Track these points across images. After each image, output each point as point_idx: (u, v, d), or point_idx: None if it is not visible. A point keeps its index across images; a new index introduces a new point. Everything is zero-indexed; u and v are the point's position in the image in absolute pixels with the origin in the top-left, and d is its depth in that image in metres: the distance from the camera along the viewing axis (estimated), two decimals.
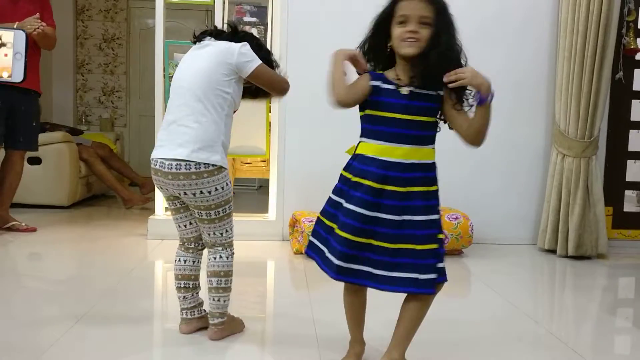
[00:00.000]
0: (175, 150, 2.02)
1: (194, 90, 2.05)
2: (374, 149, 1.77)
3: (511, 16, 4.01)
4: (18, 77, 3.04)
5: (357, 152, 1.83)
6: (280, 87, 2.29)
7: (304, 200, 3.89)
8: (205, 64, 2.08)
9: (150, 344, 2.24)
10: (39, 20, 3.76)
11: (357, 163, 1.80)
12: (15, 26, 3.65)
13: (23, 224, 4.01)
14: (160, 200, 4.00)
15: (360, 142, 1.84)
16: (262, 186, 6.41)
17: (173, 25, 6.48)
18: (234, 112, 2.19)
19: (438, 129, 1.87)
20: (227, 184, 2.09)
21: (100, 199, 5.68)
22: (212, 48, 2.12)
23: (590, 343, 2.43)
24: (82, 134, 5.80)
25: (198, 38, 2.19)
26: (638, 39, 3.99)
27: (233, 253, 2.20)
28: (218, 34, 2.20)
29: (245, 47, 2.12)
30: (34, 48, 3.94)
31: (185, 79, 2.10)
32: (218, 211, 2.09)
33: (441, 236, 1.79)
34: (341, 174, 1.87)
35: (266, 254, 3.64)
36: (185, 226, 2.23)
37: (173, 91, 2.14)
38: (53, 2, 4.24)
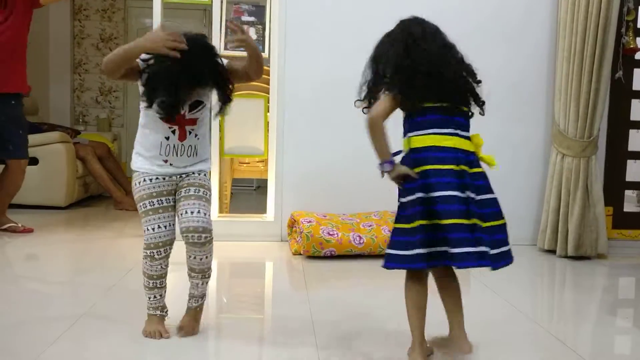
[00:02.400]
0: None
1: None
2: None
3: (510, 16, 3.99)
4: None
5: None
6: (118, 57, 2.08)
7: (303, 201, 3.87)
8: None
9: (149, 344, 2.22)
10: None
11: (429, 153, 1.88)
12: None
13: (20, 226, 3.98)
14: None
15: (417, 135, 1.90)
16: (261, 186, 6.40)
17: (170, 24, 6.46)
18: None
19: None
20: (135, 185, 2.20)
21: (97, 200, 5.66)
22: None
23: (590, 343, 2.42)
24: (79, 135, 5.78)
25: None
26: (637, 38, 3.98)
27: (146, 256, 2.22)
28: None
29: None
30: (23, 50, 3.91)
31: None
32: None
33: None
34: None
35: (265, 255, 3.63)
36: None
37: None
38: None
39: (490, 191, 1.94)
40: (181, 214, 2.14)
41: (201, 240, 2.13)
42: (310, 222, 3.51)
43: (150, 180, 2.15)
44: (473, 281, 3.30)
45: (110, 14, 7.15)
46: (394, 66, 1.95)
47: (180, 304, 2.31)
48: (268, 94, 3.98)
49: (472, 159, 1.93)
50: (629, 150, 4.11)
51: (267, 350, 2.23)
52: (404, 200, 1.88)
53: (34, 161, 4.85)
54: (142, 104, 2.13)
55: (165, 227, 2.15)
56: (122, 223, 4.49)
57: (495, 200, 1.94)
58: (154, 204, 2.14)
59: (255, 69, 2.13)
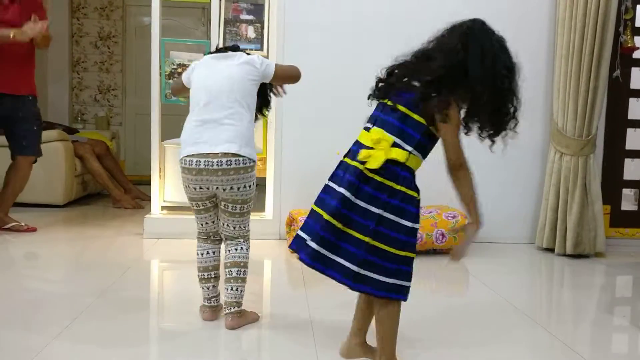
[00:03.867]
0: (222, 145, 2.15)
1: (229, 93, 2.21)
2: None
3: (508, 15, 3.99)
4: None
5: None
6: (297, 73, 2.51)
7: (301, 199, 3.87)
8: (235, 71, 2.25)
9: (147, 342, 2.22)
10: (39, 22, 3.71)
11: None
12: (11, 35, 3.63)
13: (23, 225, 3.97)
14: (156, 199, 3.98)
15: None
16: (259, 185, 6.39)
17: (169, 22, 6.45)
18: None
19: None
20: (255, 181, 2.28)
21: (96, 198, 5.65)
22: (235, 59, 2.29)
23: (588, 341, 2.43)
24: (78, 133, 5.77)
25: (218, 51, 2.40)
26: (635, 37, 3.98)
27: (250, 246, 2.35)
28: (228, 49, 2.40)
29: (257, 55, 2.36)
30: (29, 56, 3.93)
31: (215, 83, 2.23)
32: (249, 205, 2.28)
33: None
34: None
35: (263, 253, 3.63)
36: (212, 222, 2.34)
37: (200, 94, 2.25)
38: None
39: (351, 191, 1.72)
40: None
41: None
42: None
43: None
44: (471, 279, 3.30)
45: (109, 12, 7.13)
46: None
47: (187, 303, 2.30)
48: None
49: (356, 149, 1.76)
50: (627, 148, 4.11)
51: (265, 348, 2.23)
52: (416, 226, 1.74)
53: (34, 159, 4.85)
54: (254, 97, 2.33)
55: None
56: (121, 221, 4.48)
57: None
58: None
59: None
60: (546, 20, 3.97)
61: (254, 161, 2.20)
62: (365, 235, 1.69)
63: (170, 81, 3.82)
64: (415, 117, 1.74)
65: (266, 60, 2.35)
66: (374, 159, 1.69)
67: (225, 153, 2.14)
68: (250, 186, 2.22)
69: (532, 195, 4.07)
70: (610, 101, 3.97)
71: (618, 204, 4.14)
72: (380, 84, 1.84)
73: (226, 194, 2.20)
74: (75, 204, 5.20)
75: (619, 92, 4.02)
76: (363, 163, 1.70)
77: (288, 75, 2.47)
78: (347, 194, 1.70)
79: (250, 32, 3.92)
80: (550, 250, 3.85)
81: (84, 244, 3.80)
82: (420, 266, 3.33)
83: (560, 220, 3.79)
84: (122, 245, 3.73)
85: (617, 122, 4.06)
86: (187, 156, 2.19)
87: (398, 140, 1.71)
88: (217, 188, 2.19)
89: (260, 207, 4.11)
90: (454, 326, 2.44)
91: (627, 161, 4.14)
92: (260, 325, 2.42)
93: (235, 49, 2.39)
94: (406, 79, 1.80)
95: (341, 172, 1.76)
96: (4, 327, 2.24)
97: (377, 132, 1.73)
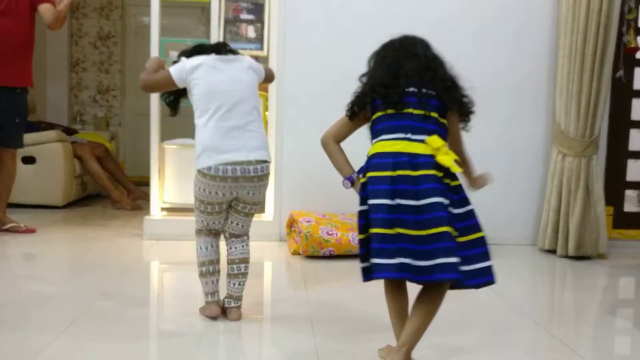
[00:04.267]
0: (254, 152, 2.24)
1: (248, 99, 2.29)
2: None
3: (511, 15, 3.98)
4: None
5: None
6: (274, 76, 2.67)
7: (302, 201, 3.86)
8: (246, 78, 2.34)
9: (147, 343, 2.21)
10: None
11: None
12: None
13: (22, 225, 3.94)
14: (155, 200, 3.96)
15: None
16: None
17: (168, 22, 6.43)
18: None
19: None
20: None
21: (95, 199, 5.64)
22: (241, 63, 2.36)
23: (591, 343, 2.41)
24: (77, 134, 5.76)
25: (219, 51, 2.40)
26: (638, 37, 3.96)
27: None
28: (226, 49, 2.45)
29: (246, 57, 2.43)
30: (29, 45, 3.88)
31: (234, 90, 2.28)
32: (257, 208, 2.38)
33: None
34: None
35: (264, 255, 3.61)
36: (220, 222, 2.39)
37: (216, 99, 2.25)
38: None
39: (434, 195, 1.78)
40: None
41: None
42: (309, 221, 3.50)
43: None
44: None
45: (108, 12, 7.12)
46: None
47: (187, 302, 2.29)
48: (267, 92, 3.96)
49: (418, 161, 1.81)
50: (630, 149, 4.10)
51: (266, 350, 2.22)
52: (360, 208, 1.90)
53: (31, 160, 4.83)
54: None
55: None
56: (121, 222, 4.46)
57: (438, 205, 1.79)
58: None
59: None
60: (549, 20, 3.95)
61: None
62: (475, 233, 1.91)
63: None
64: (442, 120, 1.95)
65: (253, 62, 2.43)
66: (453, 166, 1.82)
67: (259, 160, 2.25)
68: (263, 191, 2.36)
69: (534, 196, 4.05)
70: (613, 102, 3.96)
71: (621, 205, 4.12)
72: (392, 96, 1.91)
73: (252, 197, 2.30)
74: (75, 205, 5.18)
75: (621, 93, 4.00)
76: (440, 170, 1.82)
77: (270, 78, 2.59)
78: (447, 201, 1.81)
79: (251, 32, 3.90)
80: (553, 251, 3.84)
81: (83, 245, 3.78)
82: None
83: (562, 221, 3.78)
84: (122, 246, 3.71)
85: (620, 123, 4.05)
86: (221, 164, 2.19)
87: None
88: (248, 193, 2.27)
89: (261, 209, 4.09)
90: (454, 327, 2.42)
91: (630, 162, 4.12)
92: (261, 325, 2.41)
93: (234, 52, 2.45)
94: (425, 89, 1.93)
95: (405, 186, 1.79)
96: (3, 328, 2.22)
97: (436, 139, 1.84)
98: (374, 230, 1.78)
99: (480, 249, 1.88)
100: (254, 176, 2.23)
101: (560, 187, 3.80)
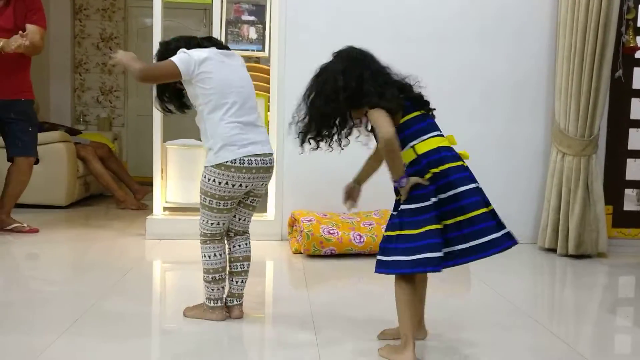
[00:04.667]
0: (266, 145, 2.34)
1: (253, 96, 2.38)
2: None
3: (511, 16, 3.99)
4: None
5: None
6: None
7: (303, 200, 3.88)
8: (246, 73, 2.42)
9: (150, 342, 2.22)
10: (23, 37, 3.69)
11: None
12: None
13: (25, 226, 3.97)
14: (158, 200, 3.98)
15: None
16: None
17: (171, 24, 6.46)
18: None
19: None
20: None
21: (98, 199, 5.66)
22: (239, 59, 2.44)
23: (590, 342, 2.42)
24: (80, 134, 5.78)
25: (220, 45, 2.44)
26: (637, 37, 3.97)
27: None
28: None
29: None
30: (25, 59, 3.91)
31: (241, 85, 2.34)
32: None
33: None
34: None
35: (265, 254, 3.63)
36: (228, 220, 2.40)
37: (228, 93, 2.28)
38: (50, 1, 4.20)
39: (476, 181, 2.03)
40: None
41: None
42: (310, 221, 3.52)
43: None
44: (473, 279, 3.30)
45: (111, 14, 7.15)
46: (382, 83, 2.03)
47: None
48: (268, 93, 3.98)
49: (458, 155, 2.04)
50: (629, 149, 4.10)
51: (268, 348, 2.23)
52: (414, 206, 1.94)
53: (35, 160, 4.85)
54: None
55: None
56: (124, 222, 4.49)
57: (481, 189, 2.04)
58: None
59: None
60: (548, 20, 3.97)
61: None
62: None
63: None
64: None
65: None
66: (468, 156, 2.06)
67: (270, 153, 2.35)
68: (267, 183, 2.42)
69: (534, 195, 4.06)
70: (612, 101, 3.97)
71: (620, 204, 4.13)
72: (418, 98, 2.08)
73: (262, 189, 2.38)
74: (78, 205, 5.21)
75: (621, 93, 4.01)
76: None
77: None
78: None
79: (252, 33, 3.92)
80: (553, 250, 3.85)
81: (86, 244, 3.81)
82: None
83: (562, 220, 3.79)
84: (125, 246, 3.73)
85: (619, 123, 4.06)
86: (246, 156, 2.25)
87: None
88: (262, 185, 2.35)
89: (263, 208, 4.11)
90: (455, 326, 2.44)
91: (630, 161, 4.13)
92: (263, 324, 2.43)
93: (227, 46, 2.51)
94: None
95: (467, 173, 2.01)
96: (6, 327, 2.24)
97: (452, 137, 2.07)
98: (483, 210, 1.96)
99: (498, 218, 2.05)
100: (269, 167, 2.32)
101: (560, 187, 3.82)
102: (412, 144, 1.99)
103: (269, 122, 3.98)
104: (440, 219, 1.93)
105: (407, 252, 1.93)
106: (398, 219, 1.98)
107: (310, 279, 3.08)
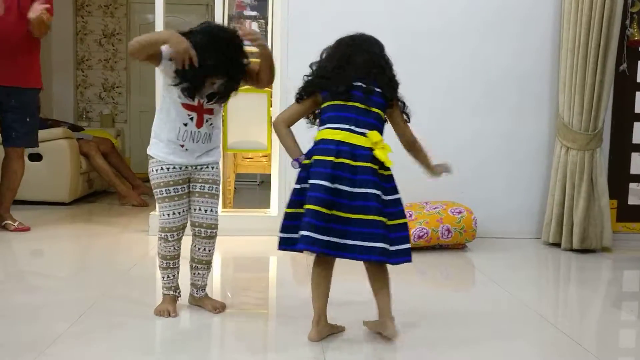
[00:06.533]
0: None
1: None
2: None
3: (514, 9, 3.97)
4: None
5: None
6: (142, 42, 2.18)
7: None
8: None
9: (154, 338, 2.22)
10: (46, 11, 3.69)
11: None
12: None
13: (15, 224, 3.92)
14: None
15: None
16: (264, 182, 6.40)
17: (173, 20, 6.45)
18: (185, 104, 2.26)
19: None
20: (152, 171, 2.30)
21: (101, 196, 5.66)
22: None
23: (595, 336, 2.41)
24: (83, 130, 5.78)
25: None
26: None
27: (161, 237, 2.34)
28: None
29: None
30: (31, 44, 3.89)
31: None
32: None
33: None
34: None
35: (268, 250, 3.62)
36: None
37: None
38: None
39: (374, 187, 2.00)
40: (195, 209, 2.35)
41: (211, 234, 2.38)
42: None
43: (167, 169, 2.28)
44: (478, 275, 3.30)
45: (113, 10, 7.14)
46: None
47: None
48: (271, 88, 3.97)
49: (358, 153, 2.02)
50: (634, 142, 4.09)
51: (272, 344, 2.23)
52: (296, 186, 2.11)
53: (37, 157, 4.86)
54: (165, 89, 2.26)
55: (179, 213, 2.31)
56: (127, 218, 4.49)
57: (376, 195, 2.01)
58: (170, 192, 2.29)
59: (267, 78, 2.36)
60: (552, 13, 3.95)
61: (151, 157, 2.31)
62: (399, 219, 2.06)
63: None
64: (382, 115, 2.11)
65: None
66: (387, 160, 2.02)
67: None
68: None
69: (538, 190, 4.05)
70: (617, 95, 3.95)
71: (625, 198, 4.11)
72: (339, 87, 2.08)
73: None
74: (81, 201, 5.21)
75: (625, 86, 3.99)
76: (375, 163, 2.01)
77: (137, 48, 2.15)
78: (379, 192, 2.00)
79: (254, 28, 3.91)
80: (557, 245, 3.84)
81: (89, 241, 3.81)
82: (426, 261, 3.34)
83: (566, 215, 3.78)
84: (128, 242, 3.73)
85: (624, 116, 4.04)
86: None
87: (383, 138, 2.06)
88: None
89: (265, 204, 4.11)
90: (460, 321, 2.43)
91: (634, 155, 4.11)
92: (266, 320, 2.43)
93: None
94: (371, 85, 2.09)
95: (345, 174, 2.00)
96: (9, 324, 2.24)
97: (375, 134, 2.03)
98: (310, 207, 1.96)
99: (403, 233, 2.06)
100: None
101: (564, 181, 3.80)
102: (319, 129, 2.13)
103: (271, 117, 3.96)
104: (301, 205, 2.02)
105: (282, 229, 2.12)
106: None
107: None
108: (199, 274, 2.42)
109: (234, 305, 2.50)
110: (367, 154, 2.01)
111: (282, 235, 2.10)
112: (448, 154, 4.15)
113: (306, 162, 2.07)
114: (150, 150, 2.31)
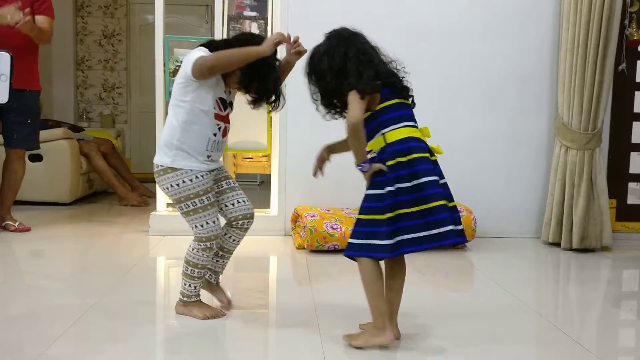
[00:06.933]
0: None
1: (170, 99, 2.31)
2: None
3: (514, 10, 3.98)
4: (2, 98, 3.13)
5: None
6: (239, 58, 2.21)
7: (306, 195, 3.87)
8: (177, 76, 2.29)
9: (154, 338, 2.23)
10: (20, 12, 3.61)
11: None
12: None
13: (16, 224, 3.92)
14: (161, 196, 3.99)
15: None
16: (264, 182, 6.40)
17: (173, 20, 6.46)
18: (223, 115, 2.30)
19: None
20: (182, 182, 2.22)
21: (102, 196, 5.67)
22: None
23: (595, 336, 2.42)
24: (83, 131, 5.79)
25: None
26: None
27: (203, 248, 2.30)
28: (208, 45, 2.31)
29: (191, 53, 2.21)
30: (31, 46, 3.90)
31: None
32: (180, 207, 2.27)
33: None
34: None
35: (269, 250, 3.63)
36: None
37: None
38: None
39: (443, 176, 2.05)
40: (233, 204, 2.40)
41: (250, 225, 2.45)
42: (313, 216, 3.52)
43: (202, 177, 2.25)
44: (477, 274, 3.30)
45: (113, 11, 7.15)
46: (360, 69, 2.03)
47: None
48: None
49: (429, 148, 2.05)
50: (633, 142, 4.10)
51: (272, 343, 2.24)
52: (380, 192, 1.98)
53: (38, 157, 4.86)
54: (195, 100, 2.22)
55: (216, 221, 2.30)
56: (127, 218, 4.50)
57: (447, 184, 2.06)
58: (210, 199, 2.27)
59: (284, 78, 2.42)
60: (551, 14, 3.95)
61: (161, 166, 2.25)
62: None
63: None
64: None
65: (188, 57, 2.20)
66: (439, 149, 2.08)
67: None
68: (167, 188, 2.25)
69: (537, 189, 4.06)
70: (616, 95, 3.96)
71: (624, 197, 4.12)
72: (397, 85, 2.06)
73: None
74: (81, 202, 5.22)
75: (624, 86, 4.00)
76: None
77: (213, 66, 2.17)
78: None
79: (254, 29, 3.92)
80: (557, 244, 3.84)
81: (89, 241, 3.81)
82: (425, 261, 3.35)
83: (566, 214, 3.78)
84: (128, 242, 3.74)
85: (623, 116, 4.05)
86: None
87: None
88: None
89: (265, 204, 4.11)
90: (458, 319, 2.44)
91: (633, 155, 4.12)
92: (267, 319, 2.43)
93: (209, 44, 2.31)
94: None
95: (432, 166, 2.02)
96: (10, 324, 2.25)
97: (426, 129, 2.08)
98: (438, 203, 1.95)
99: (459, 214, 2.07)
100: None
101: (564, 180, 3.81)
102: (383, 131, 2.02)
103: (271, 117, 3.97)
104: (395, 208, 1.95)
105: (360, 236, 2.02)
106: (362, 203, 2.06)
107: (314, 274, 3.08)
108: (224, 262, 2.48)
109: (235, 304, 2.51)
110: (427, 146, 2.04)
111: (389, 242, 1.96)
112: (447, 153, 4.15)
113: (391, 162, 1.98)
114: (175, 163, 2.22)
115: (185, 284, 2.35)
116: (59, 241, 3.76)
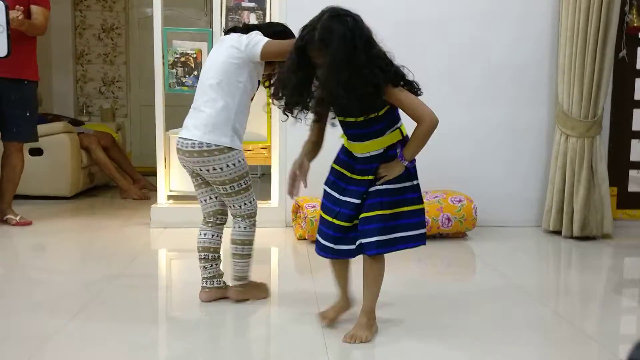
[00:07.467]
0: (190, 131, 2.30)
1: (209, 80, 2.31)
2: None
3: None
4: (2, 51, 3.06)
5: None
6: (268, 51, 2.30)
7: (307, 186, 3.86)
8: (219, 57, 2.32)
9: (156, 329, 2.24)
10: (18, 13, 3.64)
11: None
12: None
13: (17, 218, 3.93)
14: (162, 189, 4.00)
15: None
16: (265, 174, 6.40)
17: (172, 13, 6.44)
18: (251, 98, 2.40)
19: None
20: (238, 162, 2.30)
21: (103, 189, 5.67)
22: (225, 43, 2.35)
23: (597, 323, 2.42)
24: (84, 125, 5.79)
25: (226, 33, 2.44)
26: None
27: (253, 224, 2.42)
28: (233, 30, 2.41)
29: (251, 35, 2.31)
30: (27, 40, 3.89)
31: (204, 71, 2.37)
32: (233, 186, 2.32)
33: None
34: None
35: (270, 241, 3.64)
36: (205, 201, 2.45)
37: (198, 84, 2.39)
38: None
39: None
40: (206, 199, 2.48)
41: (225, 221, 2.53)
42: (314, 207, 3.52)
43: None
44: (479, 263, 3.30)
45: (111, 4, 7.12)
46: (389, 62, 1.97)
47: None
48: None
49: None
50: (633, 129, 4.09)
51: (273, 334, 2.24)
52: (417, 182, 2.07)
53: (38, 152, 4.87)
54: (247, 84, 2.32)
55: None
56: (129, 212, 4.50)
57: None
58: (251, 179, 2.40)
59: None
60: (550, 1, 3.93)
61: (218, 146, 2.25)
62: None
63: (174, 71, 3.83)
64: None
65: (255, 39, 2.27)
66: None
67: (190, 138, 2.29)
68: (222, 168, 2.28)
69: (538, 177, 4.05)
70: (616, 82, 3.95)
71: (625, 185, 4.12)
72: (408, 77, 2.04)
73: (209, 175, 2.32)
74: (83, 195, 5.22)
75: (624, 73, 3.99)
76: None
77: (281, 51, 2.22)
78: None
79: (252, 20, 3.91)
80: (557, 232, 3.84)
81: (91, 234, 3.82)
82: (427, 250, 3.34)
83: (566, 202, 3.78)
84: (130, 234, 3.75)
85: (624, 103, 4.04)
86: (178, 139, 2.35)
87: None
88: (199, 169, 2.33)
89: (266, 195, 4.12)
90: (460, 308, 2.44)
91: (634, 142, 4.11)
92: (268, 310, 2.44)
93: (235, 29, 2.41)
94: None
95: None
96: (14, 314, 2.26)
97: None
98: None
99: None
100: (186, 150, 2.30)
101: (564, 168, 3.80)
102: (398, 125, 2.05)
103: (270, 108, 3.97)
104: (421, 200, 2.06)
105: (384, 232, 2.00)
106: (407, 195, 2.04)
107: (315, 265, 3.08)
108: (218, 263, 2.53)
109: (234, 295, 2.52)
110: None
111: (423, 230, 2.08)
112: (447, 142, 4.15)
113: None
114: (233, 143, 2.29)
115: (241, 266, 2.43)
116: (61, 235, 3.77)
